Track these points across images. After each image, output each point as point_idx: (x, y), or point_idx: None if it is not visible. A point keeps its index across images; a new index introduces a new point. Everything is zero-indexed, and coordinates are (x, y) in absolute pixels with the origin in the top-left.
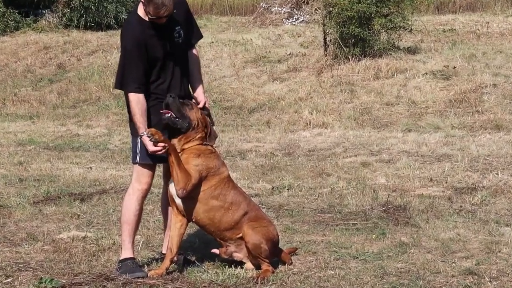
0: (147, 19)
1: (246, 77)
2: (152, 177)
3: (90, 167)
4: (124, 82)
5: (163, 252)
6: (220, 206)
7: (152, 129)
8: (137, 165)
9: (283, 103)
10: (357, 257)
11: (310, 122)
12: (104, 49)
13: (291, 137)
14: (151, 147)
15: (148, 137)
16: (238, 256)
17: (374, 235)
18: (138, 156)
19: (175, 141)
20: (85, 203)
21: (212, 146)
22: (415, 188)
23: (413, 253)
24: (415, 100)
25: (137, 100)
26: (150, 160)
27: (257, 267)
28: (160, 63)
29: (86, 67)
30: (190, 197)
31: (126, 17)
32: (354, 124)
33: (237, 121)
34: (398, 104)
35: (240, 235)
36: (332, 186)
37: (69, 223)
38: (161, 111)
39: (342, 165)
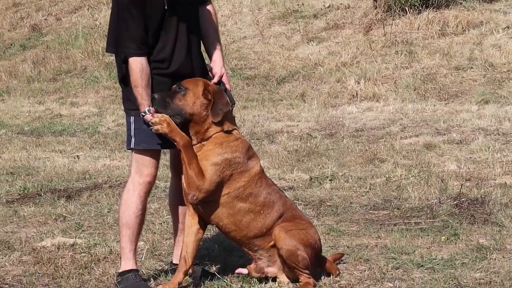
0: None
1: (273, 37)
2: (157, 167)
3: (77, 156)
4: (120, 44)
5: (174, 262)
6: (249, 209)
7: (159, 114)
8: (135, 152)
9: (322, 70)
10: (422, 265)
11: (357, 93)
12: (90, 4)
13: (332, 113)
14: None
15: (151, 124)
16: (271, 271)
17: (443, 237)
18: (132, 140)
19: (189, 130)
20: (72, 201)
21: (237, 130)
22: (495, 176)
23: (495, 259)
24: (493, 62)
25: (140, 66)
26: (150, 145)
27: (294, 281)
28: (159, 19)
29: (67, 28)
30: (209, 200)
31: None
32: (414, 95)
33: (263, 95)
34: (472, 68)
35: (273, 242)
36: (387, 175)
37: (53, 227)
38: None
39: (399, 148)
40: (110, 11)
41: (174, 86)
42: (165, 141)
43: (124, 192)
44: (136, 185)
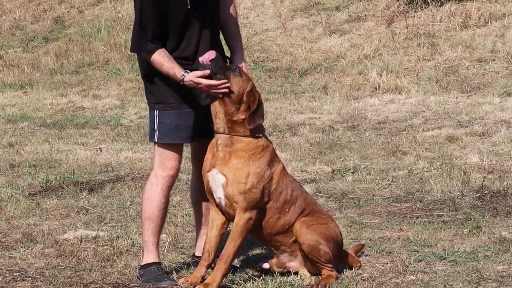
0: None
1: (295, 30)
2: (180, 160)
3: (100, 149)
4: (140, 43)
5: (196, 254)
6: (276, 208)
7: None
8: (157, 145)
9: (344, 62)
10: (444, 258)
11: (379, 86)
12: None
13: (355, 105)
14: (205, 81)
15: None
16: (293, 266)
17: (466, 230)
18: (156, 134)
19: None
20: (94, 194)
21: (264, 136)
22: None
23: None
24: None
25: (160, 55)
26: (173, 139)
27: (316, 275)
28: (182, 19)
29: (90, 21)
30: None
31: None
32: (437, 87)
33: (285, 87)
34: (494, 60)
35: (294, 237)
36: (409, 168)
37: (76, 219)
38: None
39: (422, 141)
40: (132, 4)
41: (228, 63)
42: (188, 135)
43: (147, 185)
44: (159, 179)
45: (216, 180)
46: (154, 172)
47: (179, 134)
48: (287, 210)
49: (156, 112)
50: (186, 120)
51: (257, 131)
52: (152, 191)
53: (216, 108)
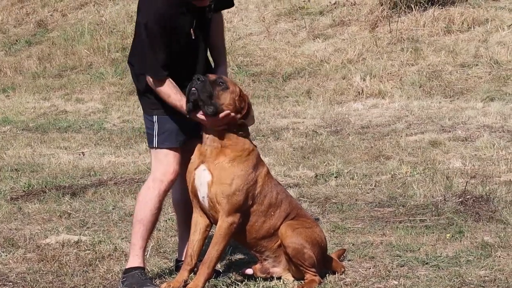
0: None
1: (279, 34)
2: (179, 163)
3: (83, 153)
4: (157, 69)
5: (179, 258)
6: (261, 212)
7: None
8: (157, 150)
9: (328, 67)
10: (427, 263)
11: (362, 90)
12: (96, 1)
13: (338, 110)
14: (209, 121)
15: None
16: (276, 271)
17: (448, 234)
18: (155, 140)
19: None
20: (77, 198)
21: (249, 139)
22: (500, 174)
23: (499, 256)
24: (498, 59)
25: (168, 85)
26: (172, 143)
27: (300, 279)
28: (184, 47)
29: (73, 24)
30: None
31: None
32: (420, 92)
33: (268, 91)
34: (477, 65)
35: (279, 242)
36: (392, 172)
37: (58, 224)
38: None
39: (405, 145)
40: (116, 7)
41: (212, 75)
42: (185, 137)
43: (143, 189)
44: (158, 183)
45: (202, 177)
46: (152, 176)
47: (178, 137)
48: (272, 213)
49: (155, 118)
50: (184, 123)
51: (243, 132)
52: (148, 194)
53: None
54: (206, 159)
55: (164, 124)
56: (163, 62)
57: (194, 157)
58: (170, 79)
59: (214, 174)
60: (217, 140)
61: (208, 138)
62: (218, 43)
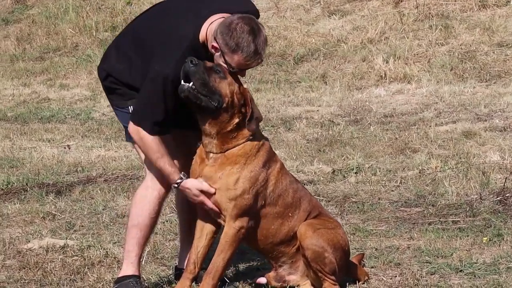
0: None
1: (289, 10)
2: (177, 154)
3: (68, 146)
4: (142, 117)
5: (179, 266)
6: (277, 213)
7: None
8: None
9: (345, 47)
10: (461, 270)
11: (385, 74)
12: None
13: (358, 97)
14: (195, 198)
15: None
16: (293, 279)
17: (485, 238)
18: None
19: (206, 128)
20: (62, 197)
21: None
22: None
23: None
24: None
25: (156, 143)
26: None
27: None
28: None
29: (56, 0)
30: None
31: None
32: (451, 76)
33: (278, 75)
34: None
35: (297, 245)
36: (420, 167)
37: (41, 226)
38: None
39: (434, 137)
40: None
41: (208, 62)
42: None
43: (141, 189)
44: (157, 185)
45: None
46: (150, 176)
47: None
48: (290, 214)
49: (131, 108)
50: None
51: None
52: (146, 195)
53: (208, 129)
54: (206, 171)
55: None
56: (163, 120)
57: (195, 165)
58: (161, 142)
59: (217, 183)
60: (219, 146)
61: (211, 158)
62: None
